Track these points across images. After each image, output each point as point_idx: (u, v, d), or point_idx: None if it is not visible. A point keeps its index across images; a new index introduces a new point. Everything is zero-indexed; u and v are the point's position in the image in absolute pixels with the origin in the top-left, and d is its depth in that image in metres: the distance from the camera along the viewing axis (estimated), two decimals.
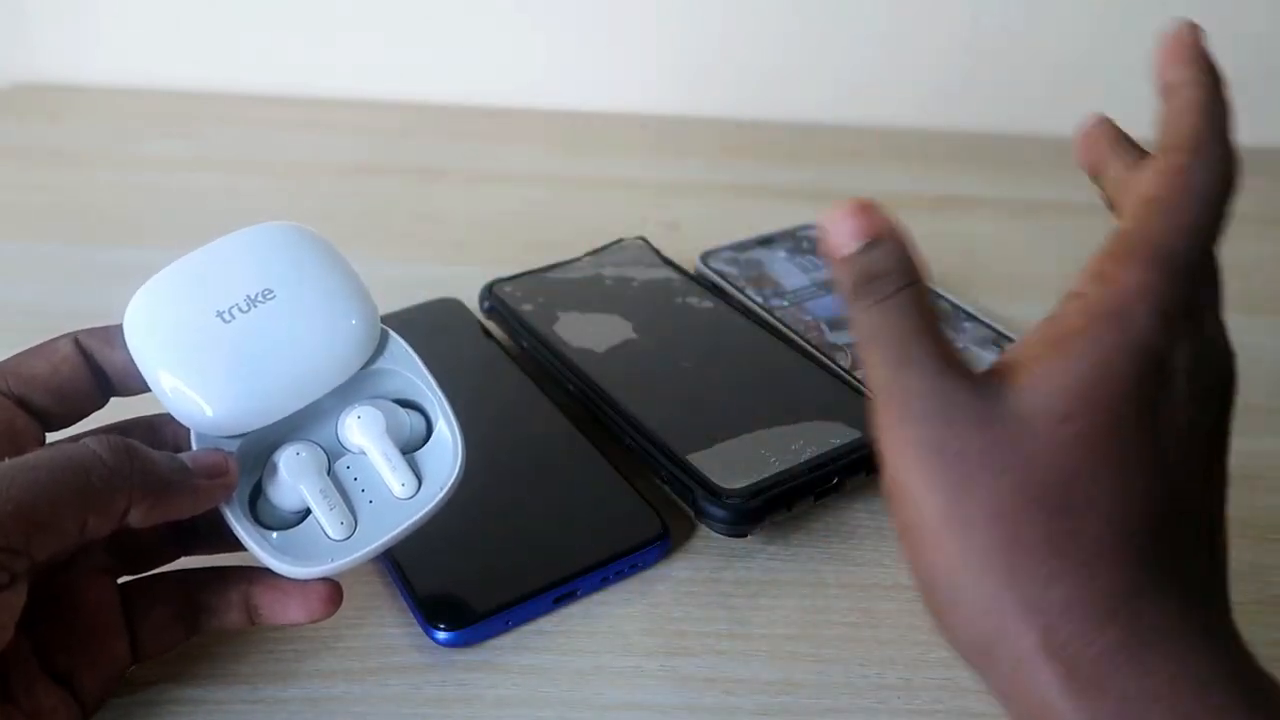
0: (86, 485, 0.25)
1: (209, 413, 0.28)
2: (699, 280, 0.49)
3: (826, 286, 0.49)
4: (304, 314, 0.30)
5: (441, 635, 0.32)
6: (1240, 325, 0.51)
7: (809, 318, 0.47)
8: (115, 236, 0.56)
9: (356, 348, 0.30)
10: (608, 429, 0.40)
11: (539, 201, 0.61)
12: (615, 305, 0.47)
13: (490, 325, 0.47)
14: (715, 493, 0.35)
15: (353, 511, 0.30)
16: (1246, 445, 0.42)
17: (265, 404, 0.29)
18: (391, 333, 0.32)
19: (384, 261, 0.54)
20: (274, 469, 0.30)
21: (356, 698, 0.31)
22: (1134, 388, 0.21)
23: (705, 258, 0.52)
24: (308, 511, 0.30)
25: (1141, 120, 0.76)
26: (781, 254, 0.52)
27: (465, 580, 0.34)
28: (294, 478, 0.29)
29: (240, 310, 0.29)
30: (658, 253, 0.51)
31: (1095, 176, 0.28)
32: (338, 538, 0.29)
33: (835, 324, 0.46)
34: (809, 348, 0.44)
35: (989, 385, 0.22)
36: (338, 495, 0.30)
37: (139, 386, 0.30)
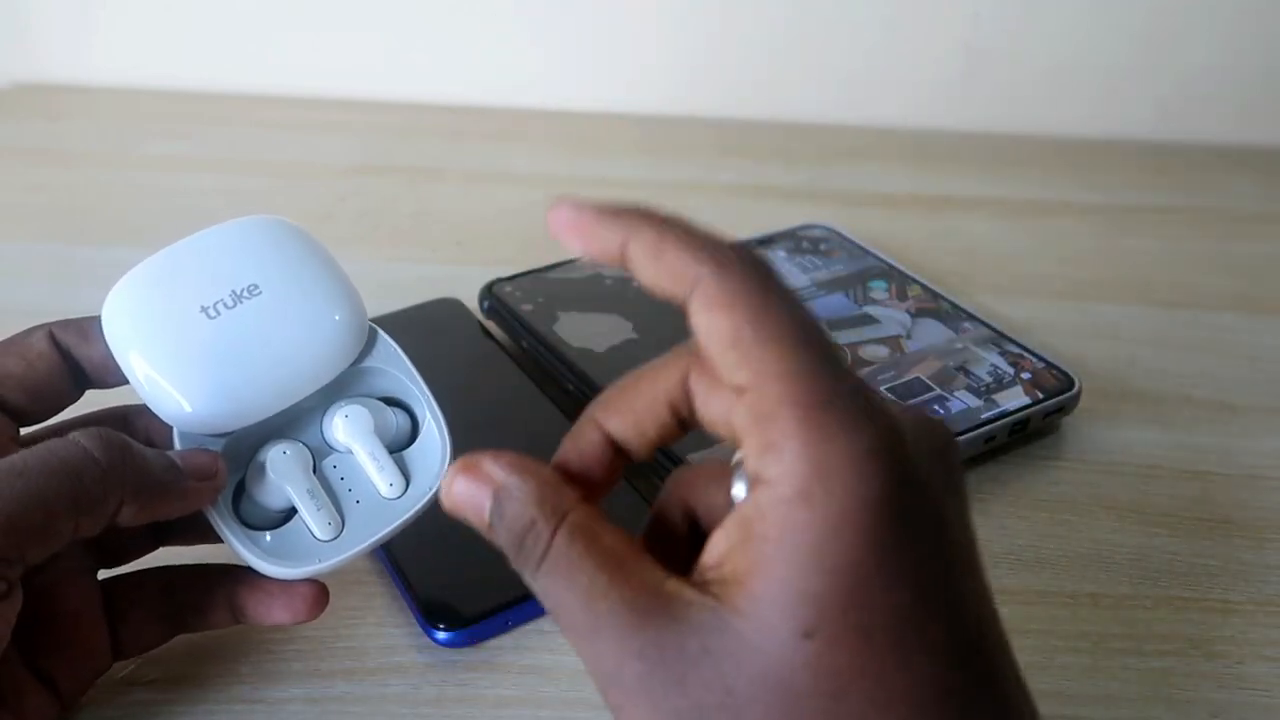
0: (80, 488, 0.24)
1: (187, 409, 0.28)
2: None
3: (826, 287, 0.49)
4: (291, 312, 0.29)
5: (441, 635, 0.32)
6: (1240, 325, 0.51)
7: None
8: (115, 236, 0.56)
9: (343, 347, 0.30)
10: None
11: (539, 201, 0.61)
12: (615, 305, 0.47)
13: (490, 325, 0.47)
14: None
15: (340, 512, 0.29)
16: (1246, 445, 0.43)
17: (250, 404, 0.29)
18: (379, 330, 0.31)
19: (384, 261, 0.55)
20: (260, 468, 0.29)
21: (356, 698, 0.31)
22: (887, 562, 0.19)
23: None
24: (293, 510, 0.29)
25: (1140, 120, 0.76)
26: (781, 254, 0.52)
27: (465, 580, 0.34)
28: (280, 478, 0.29)
29: (225, 306, 0.28)
30: None
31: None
32: (324, 538, 0.29)
33: (835, 324, 0.46)
34: None
35: (703, 617, 0.19)
36: (324, 495, 0.29)
37: (116, 380, 0.29)
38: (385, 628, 0.33)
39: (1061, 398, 0.41)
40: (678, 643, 0.19)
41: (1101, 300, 0.52)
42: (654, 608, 0.20)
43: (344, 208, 0.60)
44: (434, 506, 0.30)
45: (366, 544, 0.29)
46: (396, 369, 0.31)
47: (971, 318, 0.47)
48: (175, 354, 0.28)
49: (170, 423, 0.28)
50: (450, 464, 0.30)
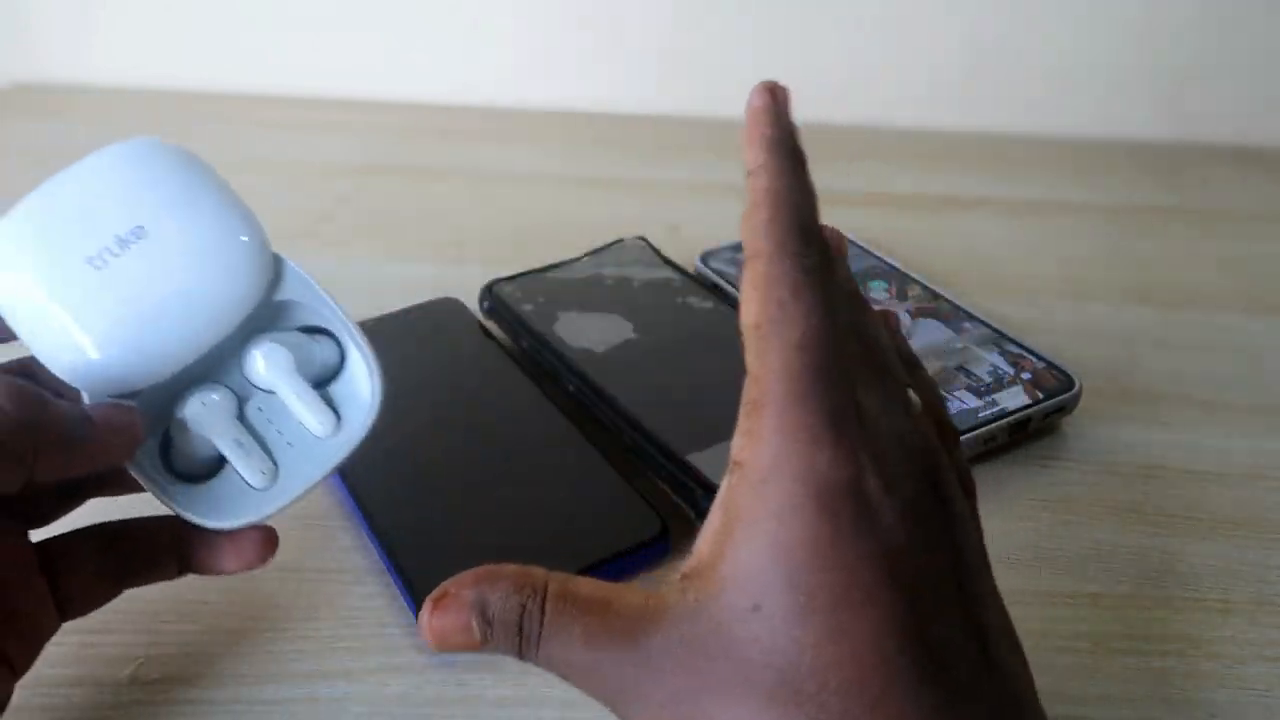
0: None
1: (89, 361, 0.26)
2: (699, 280, 0.49)
3: None
4: (183, 251, 0.26)
5: None
6: (1240, 325, 0.51)
7: None
8: None
9: (248, 282, 0.27)
10: (607, 429, 0.40)
11: (539, 201, 0.61)
12: (615, 305, 0.47)
13: (490, 325, 0.47)
14: (715, 492, 0.35)
15: (272, 457, 0.28)
16: (1247, 445, 0.43)
17: (157, 358, 0.26)
18: (286, 259, 0.29)
19: (384, 261, 0.55)
20: (182, 422, 0.28)
21: (356, 698, 0.31)
22: (820, 547, 0.20)
23: (705, 258, 0.52)
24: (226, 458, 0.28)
25: (1140, 120, 0.76)
26: None
27: None
28: (204, 431, 0.28)
29: (111, 254, 0.26)
30: (658, 253, 0.51)
31: None
32: (260, 486, 0.28)
33: None
34: None
35: (679, 611, 0.21)
36: (254, 442, 0.28)
37: (5, 335, 0.27)
38: (385, 628, 0.33)
39: (1061, 398, 0.41)
40: (662, 642, 0.21)
41: (1101, 300, 0.52)
42: (640, 626, 0.21)
43: (344, 208, 0.60)
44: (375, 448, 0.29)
45: (305, 487, 0.28)
46: (311, 299, 0.29)
47: (971, 318, 0.47)
48: (66, 315, 0.26)
49: (75, 385, 0.27)
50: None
